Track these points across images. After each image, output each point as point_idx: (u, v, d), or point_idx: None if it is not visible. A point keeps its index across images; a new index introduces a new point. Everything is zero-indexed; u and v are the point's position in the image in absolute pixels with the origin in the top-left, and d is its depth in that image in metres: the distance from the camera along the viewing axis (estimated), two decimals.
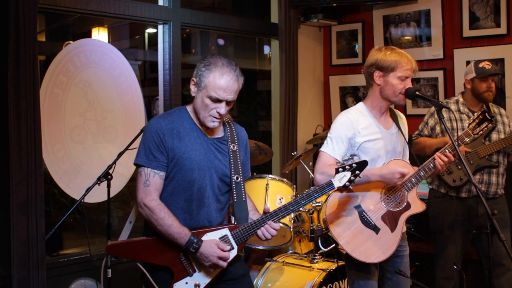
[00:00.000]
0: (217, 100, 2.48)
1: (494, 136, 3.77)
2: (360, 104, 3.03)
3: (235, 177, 2.62)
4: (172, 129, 2.52)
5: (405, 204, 2.93)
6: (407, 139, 3.11)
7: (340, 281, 3.74)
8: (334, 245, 2.93)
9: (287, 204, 2.57)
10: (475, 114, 3.25)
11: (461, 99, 3.87)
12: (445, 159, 2.89)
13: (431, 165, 2.91)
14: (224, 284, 2.59)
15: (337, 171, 2.58)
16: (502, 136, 3.76)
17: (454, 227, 3.81)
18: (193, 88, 2.55)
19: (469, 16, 4.67)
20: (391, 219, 2.90)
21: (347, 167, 2.58)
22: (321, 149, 2.96)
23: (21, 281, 3.32)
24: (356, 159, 2.80)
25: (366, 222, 2.87)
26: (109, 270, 3.07)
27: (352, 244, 2.84)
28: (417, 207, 2.95)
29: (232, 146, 2.64)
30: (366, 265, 2.92)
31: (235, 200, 2.62)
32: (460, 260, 3.84)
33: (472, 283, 4.15)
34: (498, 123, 3.82)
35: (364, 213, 2.88)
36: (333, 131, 2.95)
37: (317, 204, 3.82)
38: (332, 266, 3.70)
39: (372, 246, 2.85)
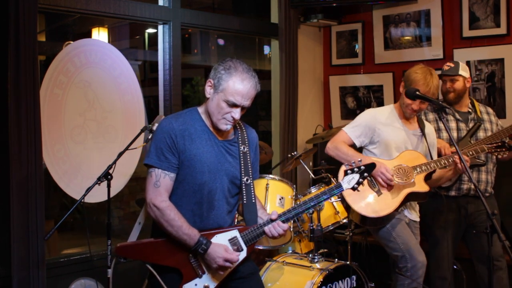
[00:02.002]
0: (233, 105, 2.46)
1: (481, 134, 3.80)
2: (391, 105, 3.52)
3: (245, 179, 2.62)
4: (184, 130, 2.50)
5: (411, 181, 3.27)
6: (431, 146, 3.44)
7: (340, 281, 3.74)
8: (339, 199, 3.56)
9: (295, 206, 2.59)
10: (497, 140, 3.55)
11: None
12: (465, 158, 3.20)
13: (443, 161, 3.29)
14: (233, 282, 2.59)
15: (345, 174, 2.63)
16: (489, 134, 3.79)
17: (445, 227, 3.83)
18: (208, 89, 2.52)
19: (469, 16, 4.67)
20: (395, 190, 3.27)
21: (355, 169, 2.61)
22: (342, 128, 3.46)
23: (21, 281, 3.32)
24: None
25: (372, 185, 3.29)
26: (109, 270, 3.07)
27: (353, 197, 3.28)
28: (421, 187, 3.30)
29: (242, 148, 2.63)
30: (388, 219, 3.33)
31: (245, 202, 2.62)
32: (451, 259, 3.87)
33: (465, 282, 4.16)
34: (485, 122, 3.85)
35: (372, 178, 3.29)
36: (357, 118, 3.45)
37: None
38: (332, 266, 3.70)
39: (370, 203, 3.26)
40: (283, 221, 2.56)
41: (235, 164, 2.60)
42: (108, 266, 3.07)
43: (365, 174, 2.61)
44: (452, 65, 3.87)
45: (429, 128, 3.53)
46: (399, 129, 3.38)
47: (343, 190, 2.62)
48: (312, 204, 2.60)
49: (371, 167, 2.63)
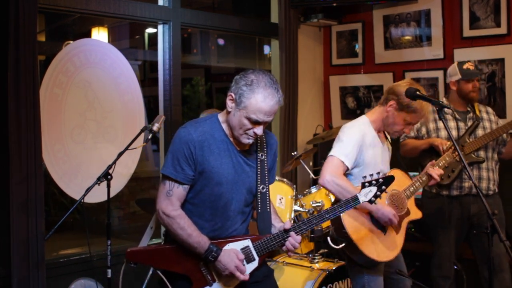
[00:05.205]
0: (256, 122, 2.39)
1: (480, 132, 3.80)
2: (364, 117, 3.15)
3: (260, 187, 2.57)
4: (203, 141, 2.44)
5: (406, 210, 3.08)
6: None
7: (340, 281, 3.74)
8: (344, 244, 2.95)
9: (310, 218, 2.54)
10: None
11: (445, 102, 3.94)
12: (438, 172, 3.15)
13: (424, 177, 3.16)
14: (248, 286, 2.56)
15: (363, 186, 2.58)
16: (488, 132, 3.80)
17: (447, 227, 3.83)
18: (230, 103, 2.43)
19: (469, 16, 4.67)
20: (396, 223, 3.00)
21: (373, 182, 2.56)
22: (332, 154, 2.99)
23: (21, 281, 3.32)
24: (381, 175, 2.85)
25: (375, 222, 2.96)
26: (109, 270, 3.07)
27: (364, 241, 2.91)
28: (415, 214, 3.14)
29: (260, 155, 2.57)
30: (375, 264, 3.01)
31: (259, 210, 2.58)
32: (453, 259, 3.88)
33: (466, 282, 4.16)
34: (484, 120, 3.87)
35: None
36: (348, 140, 3.00)
37: (317, 204, 3.83)
38: (332, 266, 3.70)
39: (381, 245, 2.95)
40: (297, 233, 2.51)
41: (252, 173, 2.55)
42: (108, 266, 3.07)
43: (383, 187, 2.57)
44: (473, 64, 3.89)
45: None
46: (379, 148, 3.11)
47: (359, 203, 2.57)
48: (327, 216, 2.56)
49: (389, 180, 2.58)
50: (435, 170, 3.15)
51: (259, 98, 2.35)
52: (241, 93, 2.37)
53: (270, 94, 2.36)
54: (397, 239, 3.02)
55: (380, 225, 2.95)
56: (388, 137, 3.28)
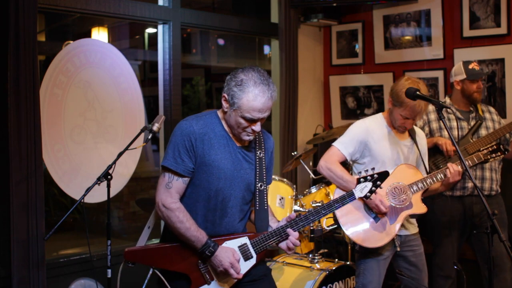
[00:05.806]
0: (252, 121, 2.42)
1: (483, 132, 3.82)
2: (380, 114, 3.32)
3: (259, 185, 2.59)
4: (204, 134, 2.46)
5: (408, 203, 3.12)
6: (422, 153, 3.32)
7: (340, 281, 3.74)
8: (335, 225, 3.16)
9: (307, 214, 2.57)
10: (492, 143, 3.49)
11: (448, 101, 3.94)
12: (457, 168, 3.12)
13: (439, 175, 3.14)
14: (246, 285, 2.57)
15: (358, 182, 2.62)
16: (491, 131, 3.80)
17: (449, 227, 3.84)
18: (224, 104, 2.47)
19: (469, 16, 4.67)
20: (392, 213, 3.10)
21: (368, 177, 2.60)
22: (333, 143, 3.26)
23: (21, 281, 3.32)
24: (377, 170, 2.86)
25: (369, 210, 3.10)
26: (109, 270, 3.07)
27: (351, 226, 3.09)
28: (418, 208, 3.15)
29: (258, 153, 2.60)
30: (371, 254, 3.15)
31: (257, 208, 2.60)
32: (455, 259, 3.88)
33: (467, 282, 4.16)
34: (487, 120, 3.88)
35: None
36: (349, 132, 3.24)
37: (317, 204, 3.82)
38: (332, 266, 3.70)
39: (368, 232, 3.07)
40: (294, 229, 2.53)
41: (250, 170, 2.57)
42: (108, 266, 3.06)
43: (378, 183, 2.60)
44: (478, 65, 3.88)
45: (420, 134, 3.38)
46: (391, 143, 3.21)
47: (355, 198, 2.61)
48: (323, 212, 2.59)
49: (384, 175, 2.62)
50: (452, 166, 3.11)
51: (250, 97, 2.38)
52: (233, 94, 2.40)
53: (261, 92, 2.39)
54: (390, 229, 3.08)
55: (373, 213, 3.07)
56: (418, 133, 3.33)
